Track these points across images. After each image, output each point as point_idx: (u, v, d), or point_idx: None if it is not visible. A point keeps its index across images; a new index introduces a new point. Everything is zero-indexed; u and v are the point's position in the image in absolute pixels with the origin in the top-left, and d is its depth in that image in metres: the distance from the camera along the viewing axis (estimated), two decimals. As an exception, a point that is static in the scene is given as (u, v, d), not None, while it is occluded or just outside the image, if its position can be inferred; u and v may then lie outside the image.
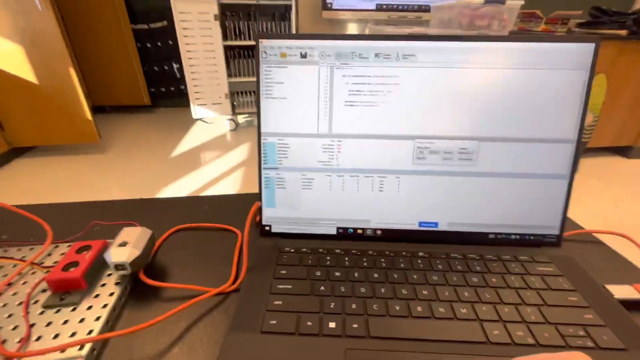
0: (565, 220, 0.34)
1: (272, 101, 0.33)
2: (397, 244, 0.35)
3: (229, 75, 2.37)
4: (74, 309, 0.27)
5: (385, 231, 0.36)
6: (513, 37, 0.31)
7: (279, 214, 0.36)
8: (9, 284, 0.30)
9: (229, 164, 2.05)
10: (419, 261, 0.32)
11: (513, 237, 0.35)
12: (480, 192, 0.34)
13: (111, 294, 0.29)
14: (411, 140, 0.33)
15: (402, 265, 0.32)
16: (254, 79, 2.42)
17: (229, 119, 2.57)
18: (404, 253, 0.33)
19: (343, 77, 0.33)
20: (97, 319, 0.26)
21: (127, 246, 0.29)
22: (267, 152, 0.34)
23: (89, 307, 0.27)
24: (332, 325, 0.26)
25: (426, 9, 2.17)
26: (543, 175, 0.33)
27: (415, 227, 0.35)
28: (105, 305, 0.28)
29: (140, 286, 0.31)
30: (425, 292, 0.29)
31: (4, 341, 0.25)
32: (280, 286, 0.29)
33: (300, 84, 0.33)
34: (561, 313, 0.27)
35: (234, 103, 2.52)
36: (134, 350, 0.25)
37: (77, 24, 2.62)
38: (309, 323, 0.26)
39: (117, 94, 2.91)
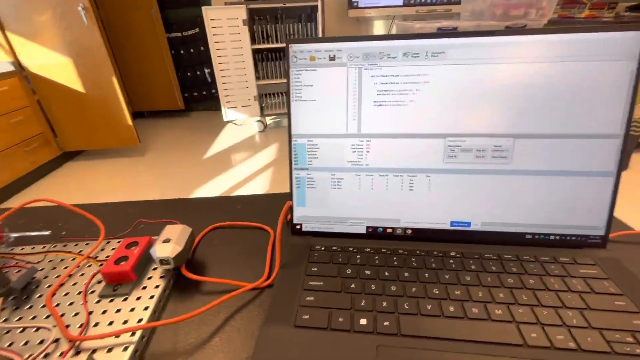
0: (611, 220, 0.32)
1: (302, 103, 0.34)
2: (428, 244, 0.35)
3: (257, 77, 2.43)
4: (125, 299, 0.30)
5: (415, 231, 0.35)
6: (549, 29, 0.30)
7: (309, 213, 0.37)
8: (70, 275, 0.33)
9: (258, 164, 2.10)
10: (451, 261, 0.32)
11: (552, 237, 0.34)
12: (516, 191, 0.33)
13: (157, 287, 0.31)
14: (442, 139, 0.33)
15: (433, 264, 0.32)
16: (282, 80, 2.46)
17: (258, 121, 2.64)
18: (435, 253, 0.33)
19: (372, 77, 0.33)
20: (146, 308, 0.29)
21: (170, 242, 0.32)
22: (297, 153, 0.35)
23: (138, 298, 0.30)
24: (363, 322, 0.26)
25: (456, 1, 2.10)
26: (586, 173, 0.32)
27: (447, 226, 0.35)
28: (152, 297, 0.30)
29: (182, 280, 0.33)
30: (457, 292, 0.28)
31: (67, 326, 0.28)
32: (312, 283, 0.30)
33: (329, 86, 0.34)
34: (606, 318, 0.26)
35: (263, 105, 2.58)
36: (179, 338, 0.27)
37: (119, 35, 2.81)
38: (341, 319, 0.27)
39: (154, 99, 3.09)
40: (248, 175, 1.98)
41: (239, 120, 2.80)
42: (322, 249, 0.35)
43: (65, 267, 0.34)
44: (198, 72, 3.07)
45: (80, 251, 0.36)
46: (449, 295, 0.28)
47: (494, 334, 0.25)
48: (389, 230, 0.36)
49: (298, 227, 0.37)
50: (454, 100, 0.32)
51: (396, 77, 0.32)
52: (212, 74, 3.05)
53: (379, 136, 0.34)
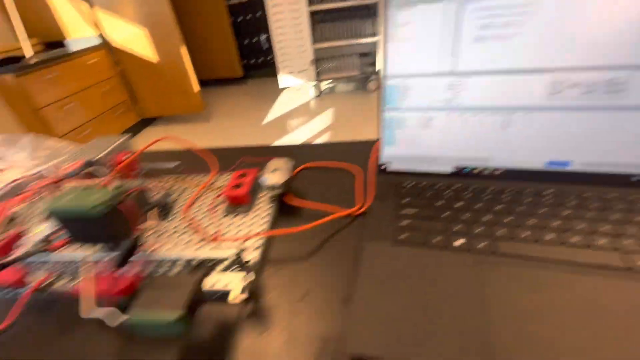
0: None
1: (397, 43, 0.35)
2: (520, 183, 0.35)
3: (314, 41, 2.40)
4: (244, 217, 0.36)
5: (507, 170, 0.36)
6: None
7: (397, 153, 0.39)
8: (194, 200, 0.40)
9: (315, 129, 2.14)
10: (547, 198, 0.32)
11: (665, 180, 0.32)
12: (630, 128, 0.31)
13: (267, 209, 0.36)
14: (547, 74, 0.32)
15: (528, 200, 0.32)
16: (339, 43, 2.40)
17: (313, 86, 2.65)
18: (529, 190, 0.33)
19: (472, 11, 0.32)
20: (262, 224, 0.34)
21: (277, 172, 0.36)
22: (389, 93, 0.37)
23: (254, 217, 0.35)
24: (459, 242, 0.29)
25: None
26: None
27: (542, 166, 0.35)
28: (265, 216, 0.35)
29: (286, 207, 0.38)
30: (556, 224, 0.29)
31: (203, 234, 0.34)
32: (405, 212, 0.33)
33: (426, 23, 0.34)
34: None
35: (318, 70, 2.57)
36: (290, 248, 0.32)
37: (182, 5, 2.94)
38: (438, 239, 0.29)
39: (214, 67, 3.24)
40: (306, 140, 2.04)
41: (295, 86, 2.84)
42: (411, 184, 0.37)
43: (191, 192, 0.41)
44: (255, 39, 3.13)
45: (199, 182, 0.43)
46: (547, 225, 0.29)
47: (596, 258, 0.26)
48: (479, 170, 0.37)
49: (384, 166, 0.40)
50: (562, 30, 0.30)
51: (499, 8, 0.31)
52: (268, 40, 3.09)
53: (477, 73, 0.33)
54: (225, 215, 0.36)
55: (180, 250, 0.30)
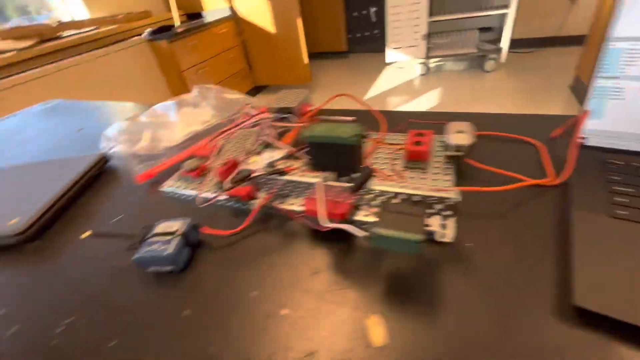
0: None
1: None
2: None
3: (431, 14, 2.25)
4: (425, 173, 0.37)
5: None
6: None
7: (603, 127, 0.35)
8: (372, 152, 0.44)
9: (419, 108, 2.06)
10: None
11: None
12: None
13: (447, 167, 0.37)
14: None
15: None
16: (459, 16, 2.20)
17: (421, 63, 2.51)
18: None
19: None
20: (445, 181, 0.36)
21: (464, 134, 0.37)
22: (610, 58, 0.33)
23: (436, 173, 0.37)
24: None
25: None
26: None
27: None
28: (447, 174, 0.37)
29: (463, 168, 0.38)
30: None
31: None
32: (620, 189, 0.30)
33: (690, -26, 0.29)
34: None
35: (429, 46, 2.41)
36: (481, 206, 0.33)
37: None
38: (672, 221, 0.26)
39: (322, 41, 3.31)
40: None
41: (401, 62, 2.74)
42: (622, 162, 0.33)
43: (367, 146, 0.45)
44: (364, 12, 3.07)
45: (371, 137, 0.46)
46: None
47: None
48: None
49: (583, 140, 0.37)
50: None
51: None
52: (377, 13, 3.00)
53: None
54: (404, 169, 0.38)
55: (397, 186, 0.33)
